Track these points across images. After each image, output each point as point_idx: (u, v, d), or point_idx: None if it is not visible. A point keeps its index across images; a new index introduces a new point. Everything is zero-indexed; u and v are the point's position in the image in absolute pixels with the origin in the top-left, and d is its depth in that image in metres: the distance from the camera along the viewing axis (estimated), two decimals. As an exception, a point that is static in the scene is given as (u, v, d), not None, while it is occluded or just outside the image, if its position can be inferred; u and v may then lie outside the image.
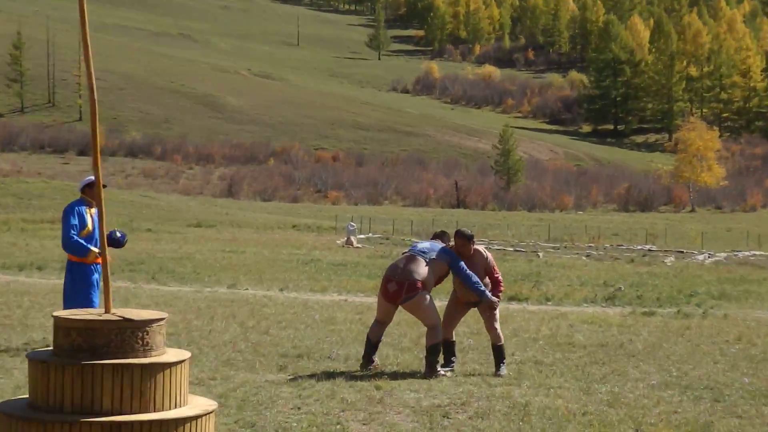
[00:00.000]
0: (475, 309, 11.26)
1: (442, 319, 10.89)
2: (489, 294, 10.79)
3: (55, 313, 6.10)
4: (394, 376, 10.24)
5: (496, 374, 10.59)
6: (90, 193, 10.71)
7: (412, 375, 10.37)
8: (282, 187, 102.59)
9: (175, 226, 52.01)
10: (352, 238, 42.71)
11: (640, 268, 32.46)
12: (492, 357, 11.08)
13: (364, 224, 58.90)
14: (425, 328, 10.84)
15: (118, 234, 10.99)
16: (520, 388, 9.84)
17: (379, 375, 10.19)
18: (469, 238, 10.90)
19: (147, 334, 5.93)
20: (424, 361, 10.73)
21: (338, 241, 43.81)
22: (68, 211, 10.57)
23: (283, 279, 23.38)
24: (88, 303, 10.38)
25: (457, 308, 11.14)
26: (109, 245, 10.60)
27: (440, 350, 10.59)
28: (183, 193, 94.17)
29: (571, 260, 35.94)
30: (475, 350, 12.37)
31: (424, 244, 11.06)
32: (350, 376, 10.11)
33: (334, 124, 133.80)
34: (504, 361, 10.87)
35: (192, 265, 26.59)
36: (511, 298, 19.60)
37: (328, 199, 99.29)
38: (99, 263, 10.39)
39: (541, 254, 39.48)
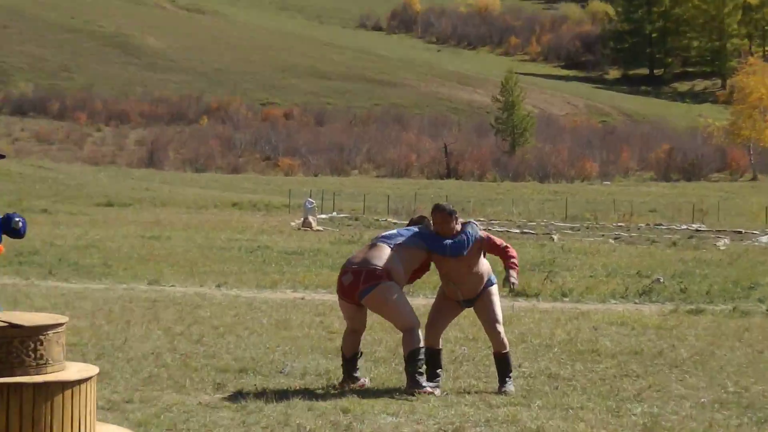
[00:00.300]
0: (471, 310, 11.26)
1: (427, 322, 10.88)
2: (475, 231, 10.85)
3: None
4: (366, 394, 10.22)
5: (500, 391, 10.60)
6: None
7: (389, 393, 10.36)
8: (219, 154, 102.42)
9: (79, 206, 51.82)
10: (311, 219, 42.70)
11: (685, 253, 32.62)
12: (493, 369, 11.09)
13: (327, 201, 58.92)
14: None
15: (20, 223, 10.68)
16: (530, 409, 9.86)
17: (346, 394, 10.17)
18: (450, 213, 10.88)
19: (41, 345, 5.89)
20: (405, 375, 10.72)
21: (293, 223, 43.82)
22: None
23: (221, 272, 23.38)
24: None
25: (445, 308, 11.11)
26: (5, 233, 10.50)
27: (422, 358, 10.53)
28: (89, 163, 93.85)
29: (594, 244, 36.07)
30: (470, 361, 12.38)
31: (390, 232, 11.13)
32: (308, 396, 10.09)
33: (285, 72, 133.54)
34: (510, 374, 10.89)
35: (101, 255, 26.56)
36: (518, 294, 19.62)
37: (279, 169, 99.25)
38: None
39: (556, 237, 39.62)
